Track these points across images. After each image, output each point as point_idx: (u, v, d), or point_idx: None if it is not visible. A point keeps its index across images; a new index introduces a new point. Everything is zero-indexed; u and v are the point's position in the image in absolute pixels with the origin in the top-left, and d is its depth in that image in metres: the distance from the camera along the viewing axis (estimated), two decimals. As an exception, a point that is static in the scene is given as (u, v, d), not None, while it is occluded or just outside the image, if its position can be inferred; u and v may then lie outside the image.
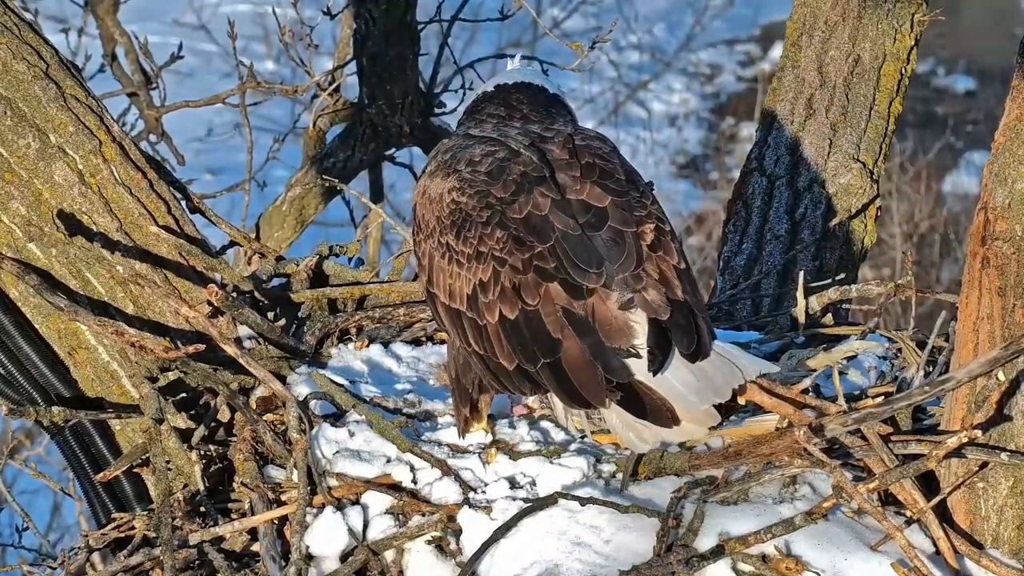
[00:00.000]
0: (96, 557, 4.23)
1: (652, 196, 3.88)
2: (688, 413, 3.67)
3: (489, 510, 3.79)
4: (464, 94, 7.41)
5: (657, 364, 3.63)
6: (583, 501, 3.74)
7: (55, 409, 4.14)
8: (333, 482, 3.93)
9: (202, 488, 4.07)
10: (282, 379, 4.24)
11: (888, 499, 3.76)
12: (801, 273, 4.66)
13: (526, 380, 3.71)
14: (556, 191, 3.78)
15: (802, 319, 4.60)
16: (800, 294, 4.60)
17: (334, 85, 7.19)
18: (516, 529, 3.74)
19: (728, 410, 3.79)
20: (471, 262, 3.78)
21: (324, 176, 7.03)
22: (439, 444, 4.01)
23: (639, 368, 3.65)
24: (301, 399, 4.14)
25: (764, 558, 3.65)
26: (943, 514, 3.70)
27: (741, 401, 4.00)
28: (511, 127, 3.99)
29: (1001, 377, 3.56)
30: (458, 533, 3.80)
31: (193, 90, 8.94)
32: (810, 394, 3.96)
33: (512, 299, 3.71)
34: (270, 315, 4.50)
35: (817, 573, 3.62)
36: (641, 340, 3.65)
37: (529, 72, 4.20)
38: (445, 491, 3.87)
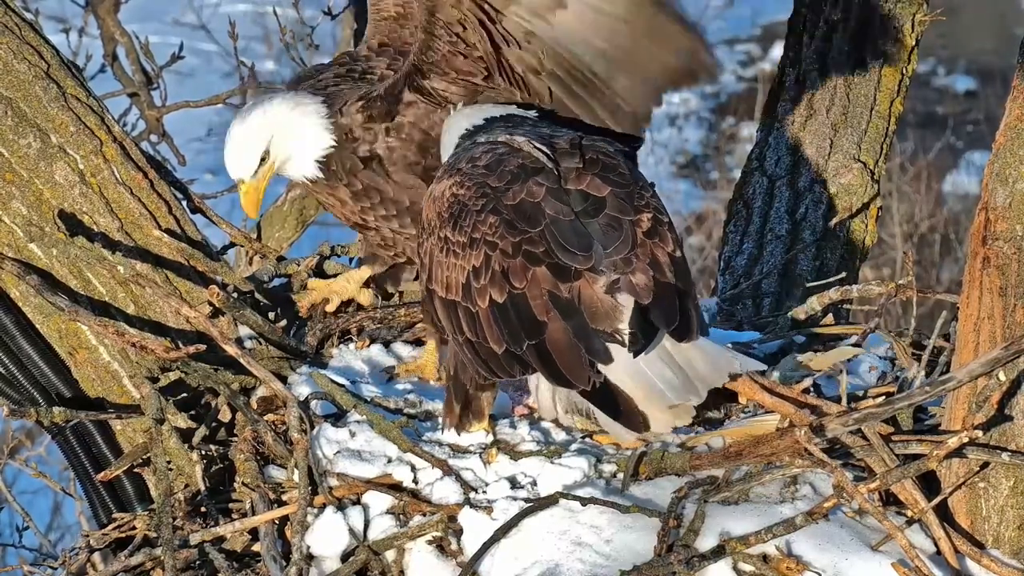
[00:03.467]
0: (97, 557, 4.23)
1: (653, 191, 3.92)
2: (662, 406, 3.74)
3: (490, 510, 3.79)
4: (464, 94, 7.40)
5: (638, 346, 3.69)
6: (584, 501, 3.75)
7: (56, 409, 4.14)
8: (334, 482, 3.93)
9: (203, 488, 4.07)
10: (283, 379, 4.25)
11: (889, 499, 3.76)
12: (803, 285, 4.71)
13: (515, 362, 3.77)
14: (555, 180, 3.84)
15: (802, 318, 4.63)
16: (805, 305, 4.63)
17: (335, 85, 7.17)
18: (517, 529, 3.74)
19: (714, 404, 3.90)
20: (465, 250, 3.85)
21: (325, 176, 7.01)
22: (440, 444, 4.01)
23: (621, 358, 3.71)
24: (302, 399, 4.14)
25: (765, 558, 3.66)
26: (944, 514, 3.71)
27: (742, 401, 4.02)
28: (519, 130, 4.05)
29: (1002, 377, 3.56)
30: (459, 533, 3.80)
31: (194, 90, 8.92)
32: (811, 394, 3.96)
33: (501, 283, 3.78)
34: (271, 315, 4.50)
35: (818, 573, 3.63)
36: (625, 324, 3.72)
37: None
38: (446, 491, 3.88)
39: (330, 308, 4.48)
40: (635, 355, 3.69)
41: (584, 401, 3.83)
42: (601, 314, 3.72)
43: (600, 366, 3.72)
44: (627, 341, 3.70)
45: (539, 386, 3.96)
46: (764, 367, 3.97)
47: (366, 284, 4.52)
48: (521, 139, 3.96)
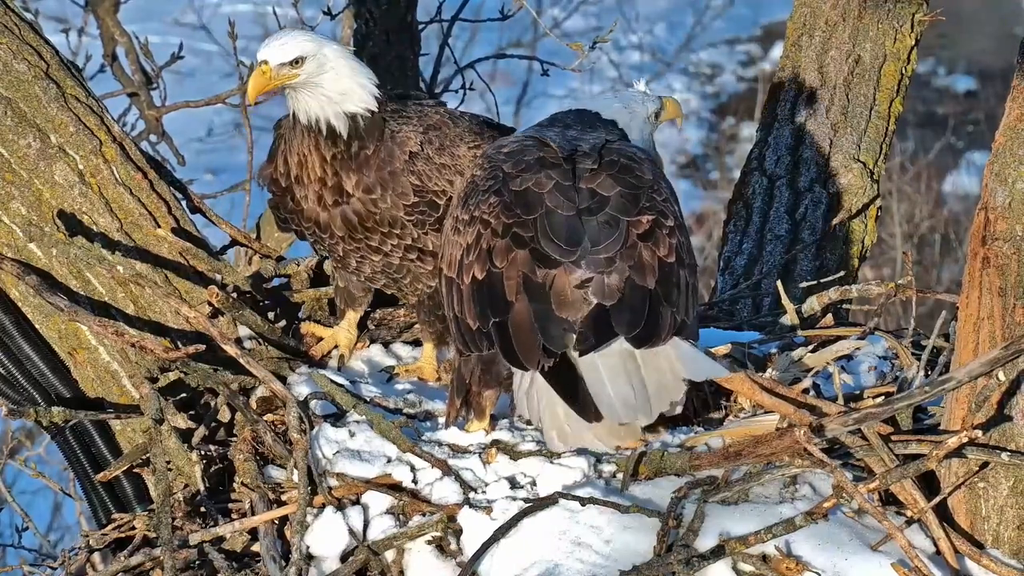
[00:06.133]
0: (96, 557, 4.23)
1: (668, 196, 3.94)
2: (617, 420, 3.75)
3: (489, 510, 3.79)
4: (464, 94, 7.42)
5: (586, 346, 3.71)
6: (583, 501, 3.75)
7: (55, 409, 4.14)
8: (333, 482, 3.93)
9: (202, 488, 4.07)
10: (282, 379, 4.25)
11: (889, 499, 3.76)
12: (778, 283, 4.72)
13: (484, 339, 3.82)
14: (568, 178, 3.90)
15: (795, 320, 4.64)
16: (786, 301, 4.64)
17: (335, 85, 7.17)
18: (516, 529, 3.74)
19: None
20: (466, 227, 3.93)
21: (325, 176, 7.01)
22: (439, 444, 4.01)
23: (586, 358, 3.73)
24: (301, 399, 4.14)
25: (764, 558, 3.66)
26: (943, 514, 3.70)
27: (741, 401, 4.01)
28: (550, 130, 4.12)
29: (1001, 377, 3.56)
30: (458, 533, 3.80)
31: (193, 90, 8.93)
32: (810, 394, 3.96)
33: (484, 260, 3.85)
34: (271, 315, 4.50)
35: (818, 573, 3.63)
36: (582, 321, 3.74)
37: (595, 102, 4.32)
38: (445, 491, 3.88)
39: (347, 356, 4.49)
40: (580, 355, 3.72)
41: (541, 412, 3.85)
42: (566, 303, 3.75)
43: (572, 355, 3.74)
44: (576, 339, 3.73)
45: (521, 385, 3.93)
46: (726, 373, 3.92)
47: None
48: (549, 137, 4.02)
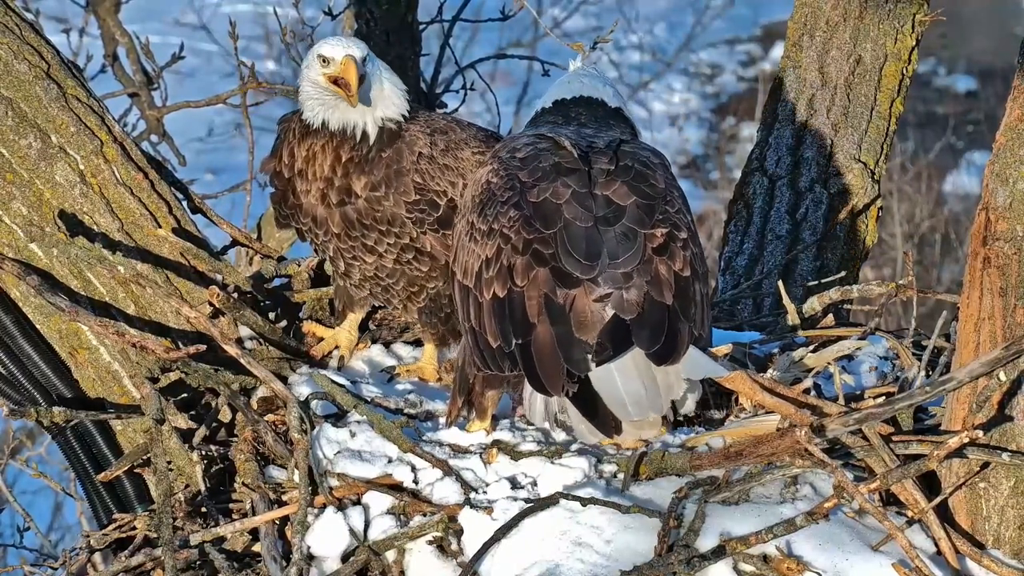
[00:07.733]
0: (97, 557, 4.24)
1: (680, 207, 3.92)
2: (627, 418, 3.74)
3: (490, 510, 3.79)
4: (465, 94, 7.42)
5: (603, 356, 3.69)
6: (584, 501, 3.75)
7: (56, 409, 4.14)
8: (334, 482, 3.94)
9: (203, 488, 4.08)
10: (283, 379, 4.25)
11: (889, 499, 3.76)
12: (779, 283, 4.71)
13: (506, 359, 3.79)
14: (584, 184, 3.88)
15: (796, 321, 4.64)
16: (787, 301, 4.64)
17: (335, 85, 7.17)
18: (517, 529, 3.74)
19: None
20: (484, 239, 3.89)
21: (325, 176, 7.00)
22: (440, 444, 4.01)
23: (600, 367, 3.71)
24: (302, 399, 4.14)
25: (765, 558, 3.66)
26: (944, 514, 3.71)
27: (742, 401, 4.00)
28: (565, 129, 4.10)
29: (1002, 377, 3.56)
30: (459, 533, 3.81)
31: (194, 90, 8.92)
32: (811, 394, 3.96)
33: (505, 277, 3.81)
34: (271, 315, 4.50)
35: (818, 573, 3.63)
36: (600, 334, 3.72)
37: (587, 85, 4.28)
38: (446, 491, 3.88)
39: (347, 357, 4.48)
40: (597, 364, 3.69)
41: (568, 417, 3.84)
42: (587, 324, 3.72)
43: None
44: (594, 349, 3.70)
45: (533, 392, 3.93)
46: (725, 372, 3.92)
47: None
48: (563, 136, 4.00)
